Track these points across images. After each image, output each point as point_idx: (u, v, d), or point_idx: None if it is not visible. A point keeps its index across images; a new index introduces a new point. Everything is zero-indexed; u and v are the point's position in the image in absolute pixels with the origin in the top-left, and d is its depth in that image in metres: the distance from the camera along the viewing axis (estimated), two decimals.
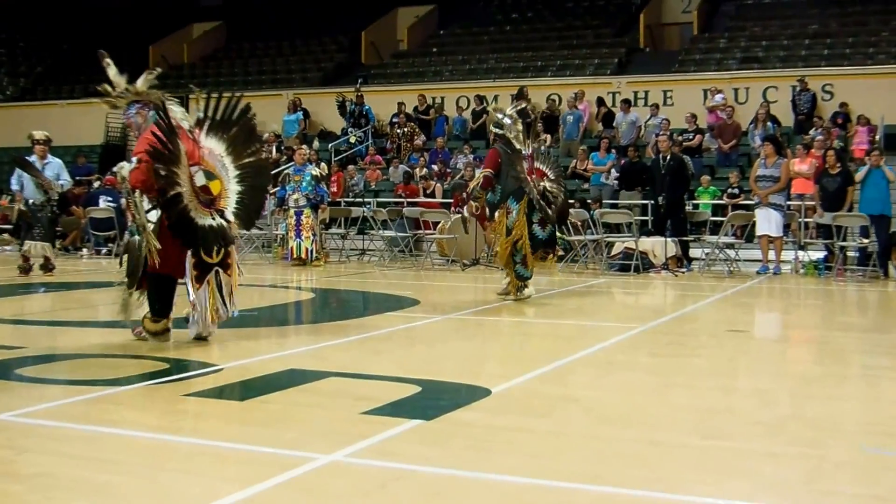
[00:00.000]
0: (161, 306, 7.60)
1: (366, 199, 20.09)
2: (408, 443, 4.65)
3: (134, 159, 7.41)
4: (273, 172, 20.58)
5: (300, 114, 24.91)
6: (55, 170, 13.92)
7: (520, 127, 11.14)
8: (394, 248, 17.92)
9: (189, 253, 7.43)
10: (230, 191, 7.69)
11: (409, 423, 4.96)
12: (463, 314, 10.15)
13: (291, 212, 16.36)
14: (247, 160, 7.79)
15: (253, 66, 30.66)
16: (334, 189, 19.87)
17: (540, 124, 22.12)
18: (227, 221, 7.60)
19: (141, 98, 7.70)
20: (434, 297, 12.18)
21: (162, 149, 7.15)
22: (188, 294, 7.45)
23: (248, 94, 26.63)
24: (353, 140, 23.96)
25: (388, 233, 17.87)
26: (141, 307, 7.71)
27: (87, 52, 32.70)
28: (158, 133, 7.18)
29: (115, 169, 7.94)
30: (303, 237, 16.21)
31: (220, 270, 7.57)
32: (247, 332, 8.44)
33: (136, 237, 7.57)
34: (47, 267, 13.98)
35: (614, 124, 21.75)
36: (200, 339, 7.64)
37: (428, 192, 19.95)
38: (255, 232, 18.39)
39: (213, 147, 7.65)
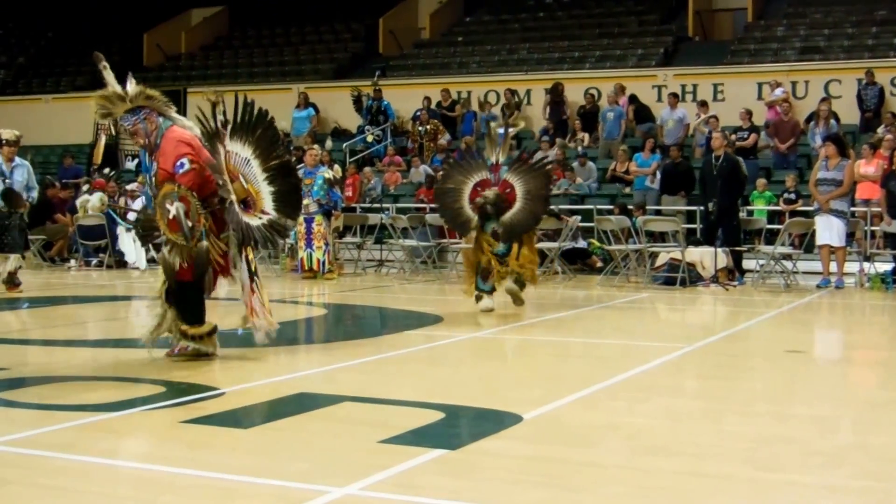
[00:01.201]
0: (198, 312, 8.02)
1: (384, 205, 20.14)
2: (430, 474, 4.68)
3: (185, 161, 7.73)
4: None
5: (311, 110, 24.99)
6: (23, 175, 13.84)
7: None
8: (415, 259, 17.96)
9: (234, 257, 8.04)
10: (263, 192, 8.08)
11: (431, 453, 4.99)
12: (491, 332, 10.19)
13: (301, 219, 16.33)
14: (274, 163, 8.14)
15: (258, 57, 30.75)
16: (349, 193, 19.93)
17: (577, 121, 22.30)
18: (273, 218, 8.07)
19: (147, 104, 7.97)
20: (459, 314, 12.20)
21: (215, 160, 7.80)
22: (246, 297, 8.08)
23: (253, 88, 26.96)
24: (370, 139, 24.05)
25: (408, 242, 17.91)
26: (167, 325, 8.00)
27: (74, 41, 32.99)
28: (212, 144, 7.85)
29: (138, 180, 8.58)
30: (314, 247, 16.23)
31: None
32: (252, 352, 8.49)
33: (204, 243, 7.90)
34: (13, 282, 13.67)
35: (659, 122, 21.72)
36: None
37: None
38: None
39: (238, 151, 8.03)
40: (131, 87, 7.99)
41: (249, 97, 8.19)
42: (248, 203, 7.94)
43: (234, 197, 7.77)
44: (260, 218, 7.93)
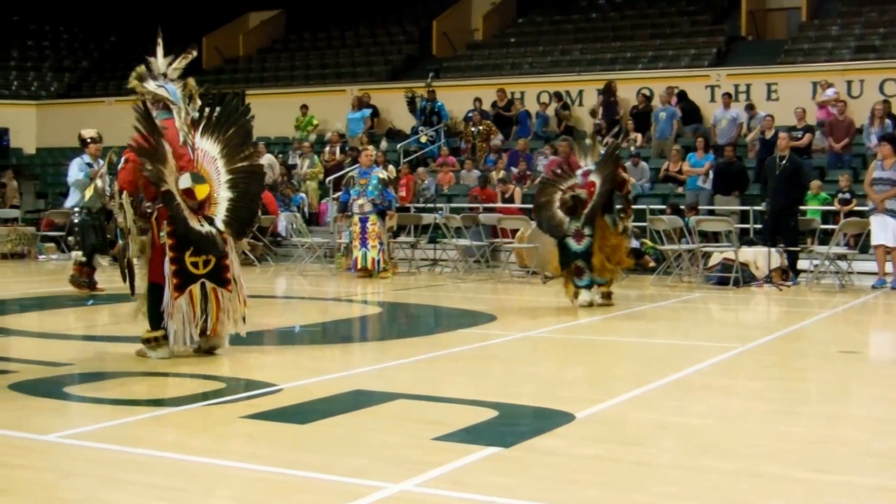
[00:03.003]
0: (158, 317, 7.87)
1: (438, 205, 20.16)
2: (483, 472, 4.69)
3: (124, 158, 7.78)
4: (336, 175, 20.85)
5: (366, 111, 25.05)
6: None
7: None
8: (468, 259, 17.97)
9: (168, 259, 7.71)
10: (221, 197, 7.88)
11: (484, 451, 5.00)
12: (544, 331, 10.18)
13: (356, 218, 16.42)
14: (240, 164, 7.94)
15: (314, 59, 30.86)
16: (403, 193, 19.98)
17: (630, 122, 22.21)
18: (218, 230, 7.81)
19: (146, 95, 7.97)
20: (512, 313, 12.21)
21: (146, 145, 7.52)
22: (163, 301, 7.77)
23: (309, 90, 26.98)
24: (423, 140, 24.06)
25: (461, 241, 17.92)
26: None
27: (136, 45, 33.26)
28: (141, 129, 7.54)
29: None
30: (369, 246, 16.28)
31: (213, 285, 7.83)
32: (308, 350, 8.54)
33: (121, 242, 7.91)
34: (78, 282, 13.62)
35: (712, 122, 21.59)
36: (208, 352, 7.95)
37: (506, 196, 19.95)
38: (317, 240, 18.60)
39: (207, 149, 7.86)
40: (169, 64, 8.07)
41: (239, 93, 8.02)
42: (199, 207, 7.73)
43: (171, 187, 7.54)
44: (202, 226, 7.69)
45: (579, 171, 12.06)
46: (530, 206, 18.81)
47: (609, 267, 11.94)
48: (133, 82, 8.06)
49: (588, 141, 12.75)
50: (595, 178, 11.87)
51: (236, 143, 7.94)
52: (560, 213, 11.88)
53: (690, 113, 22.24)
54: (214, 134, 7.87)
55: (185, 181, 7.65)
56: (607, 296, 12.07)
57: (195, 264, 7.78)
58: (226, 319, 7.91)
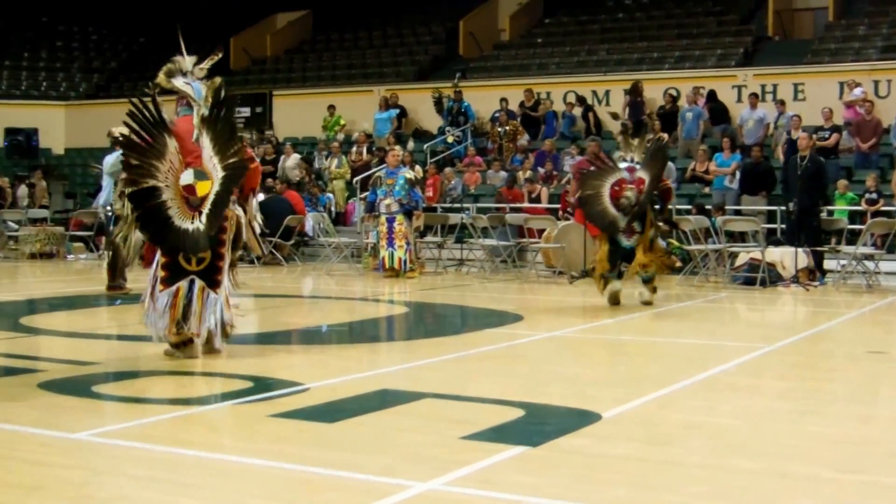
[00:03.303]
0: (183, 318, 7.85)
1: (464, 205, 20.17)
2: (511, 471, 4.69)
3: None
4: (363, 176, 20.89)
5: (393, 111, 25.07)
6: None
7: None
8: (495, 259, 17.96)
9: (160, 252, 7.74)
10: (212, 193, 7.75)
11: (512, 450, 5.00)
12: (571, 331, 10.17)
13: (383, 218, 16.42)
14: (231, 160, 7.79)
15: (341, 60, 30.91)
16: (430, 193, 19.97)
17: (657, 122, 22.15)
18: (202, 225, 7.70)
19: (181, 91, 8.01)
20: (539, 313, 12.20)
21: (137, 139, 7.54)
22: (144, 293, 7.83)
23: (336, 90, 27.00)
24: (450, 140, 24.06)
25: (488, 241, 17.91)
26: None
27: (165, 46, 33.33)
28: (132, 123, 7.55)
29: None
30: (395, 246, 16.30)
31: (203, 284, 7.78)
32: (336, 350, 8.56)
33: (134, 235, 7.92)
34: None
35: (738, 122, 21.52)
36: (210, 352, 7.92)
37: (533, 196, 19.94)
38: (344, 240, 18.64)
39: (206, 146, 7.81)
40: (197, 63, 8.12)
41: (221, 85, 7.86)
42: (193, 203, 7.67)
43: (160, 185, 7.53)
44: (192, 223, 7.59)
45: (623, 165, 11.98)
46: (557, 206, 18.87)
47: (656, 262, 11.98)
48: (160, 77, 8.10)
49: (620, 138, 12.72)
50: (643, 175, 11.81)
51: (225, 138, 7.82)
52: (612, 210, 11.75)
53: (718, 113, 22.17)
54: (209, 131, 7.79)
55: (188, 177, 7.63)
56: (654, 290, 12.16)
57: (188, 259, 7.76)
58: (209, 320, 7.80)
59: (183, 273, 7.77)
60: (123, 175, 7.81)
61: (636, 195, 11.57)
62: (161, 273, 7.77)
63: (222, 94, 7.88)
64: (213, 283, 7.83)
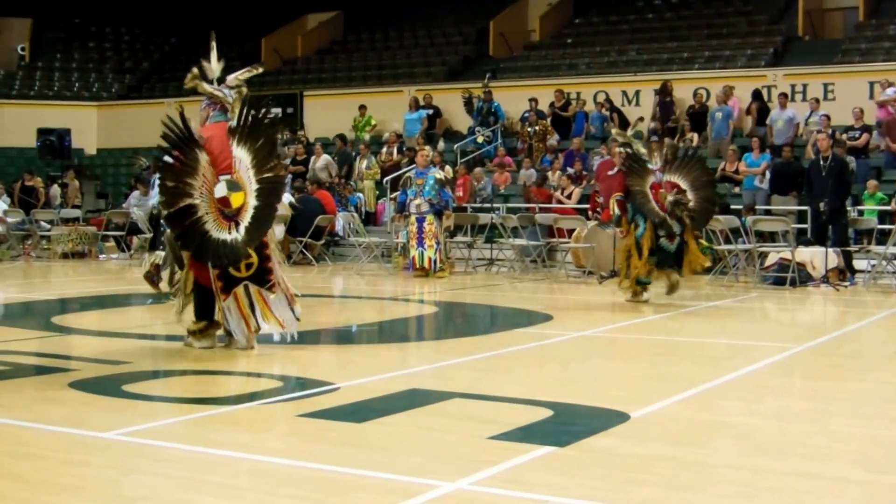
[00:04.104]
0: (202, 310, 8.19)
1: (494, 205, 20.15)
2: (539, 471, 4.69)
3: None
4: (393, 176, 20.91)
5: (423, 112, 25.07)
6: None
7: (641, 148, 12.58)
8: (525, 258, 17.95)
9: (210, 264, 7.89)
10: (249, 205, 7.90)
11: (540, 450, 4.99)
12: (600, 331, 10.15)
13: (413, 218, 16.44)
14: (267, 175, 7.98)
15: (372, 60, 30.94)
16: (460, 193, 19.96)
17: (686, 122, 22.08)
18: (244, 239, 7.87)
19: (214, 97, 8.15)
20: (569, 313, 12.18)
21: (171, 159, 7.70)
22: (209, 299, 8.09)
23: (367, 91, 27.05)
24: (480, 140, 24.05)
25: (518, 241, 17.90)
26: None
27: (197, 47, 33.56)
28: (164, 143, 7.70)
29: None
30: (425, 246, 16.30)
31: (257, 287, 7.99)
32: (365, 349, 8.58)
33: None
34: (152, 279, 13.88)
35: (768, 122, 21.41)
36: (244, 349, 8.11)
37: (566, 195, 19.89)
38: (374, 240, 18.66)
39: (241, 157, 7.92)
40: (234, 74, 8.19)
41: (266, 101, 8.11)
42: (235, 213, 7.81)
43: (195, 202, 7.67)
44: (230, 233, 7.76)
45: (654, 167, 12.13)
46: (587, 206, 18.84)
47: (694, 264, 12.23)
48: (195, 82, 8.16)
49: (644, 143, 12.90)
50: (677, 181, 12.06)
51: (265, 154, 7.98)
52: (661, 213, 11.91)
53: (764, 114, 22.04)
54: (247, 143, 7.93)
55: (221, 190, 7.74)
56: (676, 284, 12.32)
57: (237, 267, 7.93)
58: (272, 318, 8.06)
59: (235, 280, 7.96)
60: (161, 198, 7.90)
61: (684, 200, 11.82)
62: (218, 283, 7.96)
63: (262, 110, 8.02)
64: (265, 283, 8.02)
